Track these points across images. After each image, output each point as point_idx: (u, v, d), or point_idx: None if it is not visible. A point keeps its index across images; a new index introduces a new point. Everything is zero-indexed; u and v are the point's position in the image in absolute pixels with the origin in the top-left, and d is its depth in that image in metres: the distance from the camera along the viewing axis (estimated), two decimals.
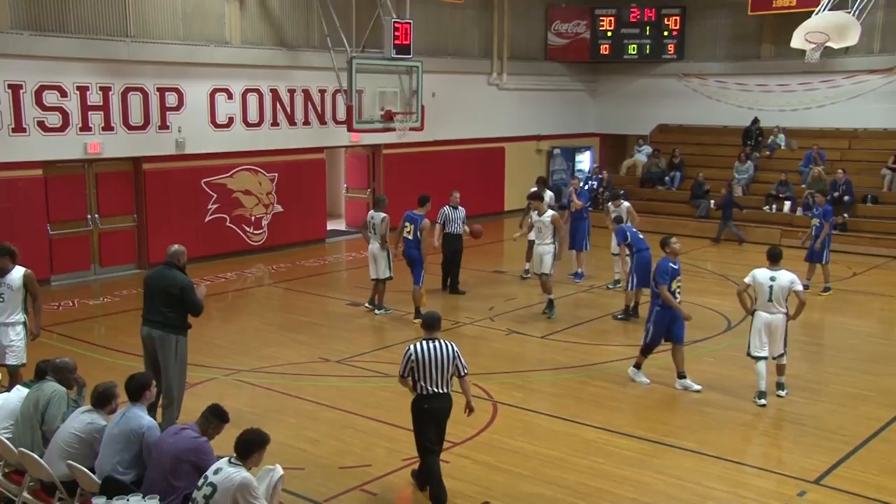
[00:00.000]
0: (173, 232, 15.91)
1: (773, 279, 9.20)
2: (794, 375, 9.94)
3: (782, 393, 9.48)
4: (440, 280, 14.31)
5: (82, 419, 6.25)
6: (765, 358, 9.27)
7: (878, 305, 14.24)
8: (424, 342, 6.78)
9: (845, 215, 18.76)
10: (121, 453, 5.97)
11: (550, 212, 12.68)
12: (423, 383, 6.74)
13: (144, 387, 6.26)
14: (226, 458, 5.48)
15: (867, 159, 20.55)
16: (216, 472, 5.37)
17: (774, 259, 9.37)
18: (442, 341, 6.79)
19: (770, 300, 9.19)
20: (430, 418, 6.82)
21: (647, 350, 9.92)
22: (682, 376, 9.79)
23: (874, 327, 13.10)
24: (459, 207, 14.10)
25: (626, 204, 14.30)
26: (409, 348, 6.81)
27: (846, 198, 18.89)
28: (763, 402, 9.27)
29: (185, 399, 8.29)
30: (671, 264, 9.64)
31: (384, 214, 12.76)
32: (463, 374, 6.86)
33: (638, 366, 10.02)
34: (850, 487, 7.29)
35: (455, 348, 6.82)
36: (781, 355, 9.40)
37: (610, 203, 14.68)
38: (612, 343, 11.74)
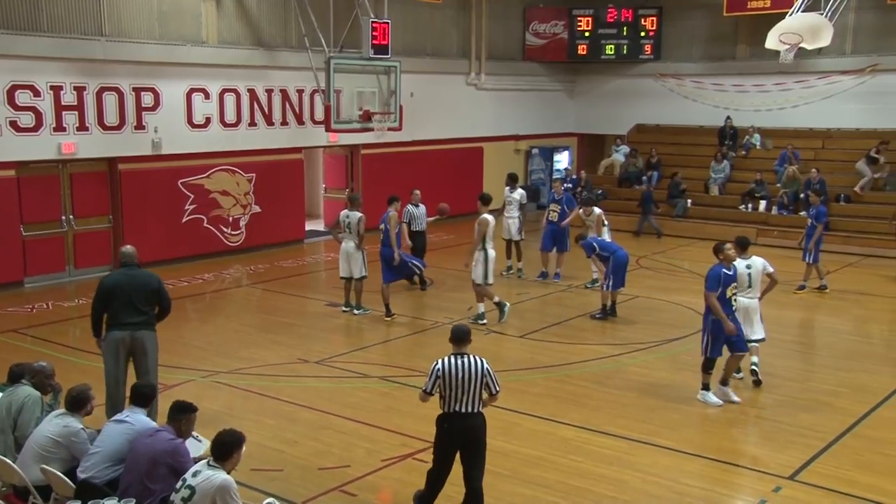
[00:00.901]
0: (150, 233, 15.82)
1: (749, 266, 9.79)
2: (770, 374, 10.07)
3: (754, 376, 9.88)
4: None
5: (57, 423, 6.18)
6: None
7: (852, 303, 14.38)
8: (453, 357, 6.33)
9: None
10: (118, 453, 5.92)
11: (485, 215, 12.19)
12: (449, 401, 6.29)
13: (155, 392, 6.33)
14: (204, 461, 5.45)
15: (840, 159, 20.80)
16: (195, 474, 5.34)
17: (745, 247, 9.89)
18: (472, 357, 6.35)
19: (750, 286, 9.75)
20: (451, 439, 6.37)
21: (708, 365, 9.32)
22: (724, 382, 9.39)
23: (848, 325, 13.25)
24: (420, 205, 14.41)
25: (597, 211, 14.21)
26: (436, 363, 6.34)
27: (821, 197, 19.08)
28: (740, 375, 9.86)
29: (161, 401, 8.22)
30: (724, 271, 9.16)
31: (361, 214, 12.78)
32: (494, 392, 6.40)
33: (706, 387, 9.35)
34: (824, 483, 7.38)
35: (486, 365, 6.35)
36: (762, 339, 9.87)
37: (581, 210, 14.61)
38: (590, 342, 11.79)
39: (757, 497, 7.18)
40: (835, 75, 21.21)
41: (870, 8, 20.61)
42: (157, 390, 8.12)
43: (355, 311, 12.95)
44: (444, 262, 14.75)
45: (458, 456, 6.48)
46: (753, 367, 9.85)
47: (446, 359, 6.35)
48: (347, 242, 12.84)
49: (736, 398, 9.33)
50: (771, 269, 9.93)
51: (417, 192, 14.61)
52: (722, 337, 9.15)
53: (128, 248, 8.23)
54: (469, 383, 6.26)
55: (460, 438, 6.38)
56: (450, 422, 6.35)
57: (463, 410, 6.30)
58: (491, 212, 12.42)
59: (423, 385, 6.48)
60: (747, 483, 7.46)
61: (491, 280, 12.32)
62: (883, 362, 11.02)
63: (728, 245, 9.44)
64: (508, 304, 12.53)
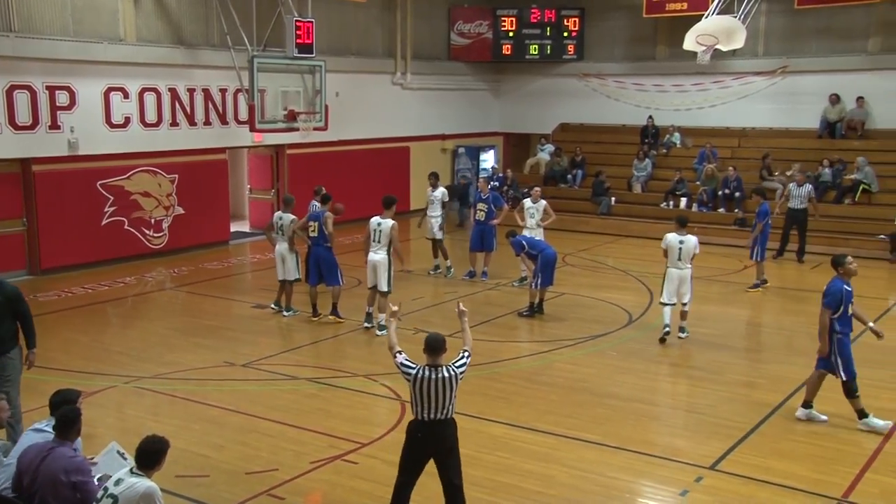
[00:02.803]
0: (68, 236, 15.33)
1: (681, 242, 11.20)
2: (691, 366, 10.44)
3: (683, 335, 11.47)
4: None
5: None
6: (672, 304, 11.34)
7: (769, 297, 14.85)
8: (428, 370, 6.18)
9: (737, 210, 19.62)
10: None
11: (390, 221, 11.77)
12: (421, 410, 6.20)
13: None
14: (126, 469, 5.33)
15: (755, 157, 21.47)
16: (117, 482, 5.20)
17: (682, 224, 11.39)
18: (445, 369, 6.21)
19: (679, 259, 11.20)
20: (423, 447, 6.27)
21: (852, 389, 8.40)
22: (807, 405, 8.79)
23: (764, 318, 13.74)
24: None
25: (543, 202, 14.92)
26: (415, 367, 6.22)
27: (737, 194, 19.74)
28: (667, 331, 11.33)
29: (84, 409, 7.94)
30: (845, 287, 8.33)
31: (293, 216, 12.66)
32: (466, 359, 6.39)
33: (862, 413, 8.45)
34: (743, 471, 7.64)
35: (455, 371, 6.26)
36: (686, 303, 11.38)
37: (528, 199, 15.02)
38: (519, 339, 11.93)
39: (679, 487, 7.38)
40: (748, 76, 21.95)
41: (779, 12, 21.39)
42: None
43: (284, 314, 12.81)
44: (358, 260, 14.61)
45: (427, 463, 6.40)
46: (681, 328, 11.41)
47: (423, 369, 6.23)
48: (281, 244, 12.70)
49: (822, 417, 8.70)
50: (697, 251, 11.35)
51: (322, 188, 13.95)
52: (850, 354, 8.38)
53: None
54: (443, 394, 6.19)
55: (433, 447, 6.32)
56: (423, 430, 6.27)
57: (435, 418, 6.23)
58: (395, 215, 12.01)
59: (401, 360, 6.30)
60: (670, 474, 7.66)
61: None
62: (796, 353, 11.41)
63: (849, 258, 8.53)
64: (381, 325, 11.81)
